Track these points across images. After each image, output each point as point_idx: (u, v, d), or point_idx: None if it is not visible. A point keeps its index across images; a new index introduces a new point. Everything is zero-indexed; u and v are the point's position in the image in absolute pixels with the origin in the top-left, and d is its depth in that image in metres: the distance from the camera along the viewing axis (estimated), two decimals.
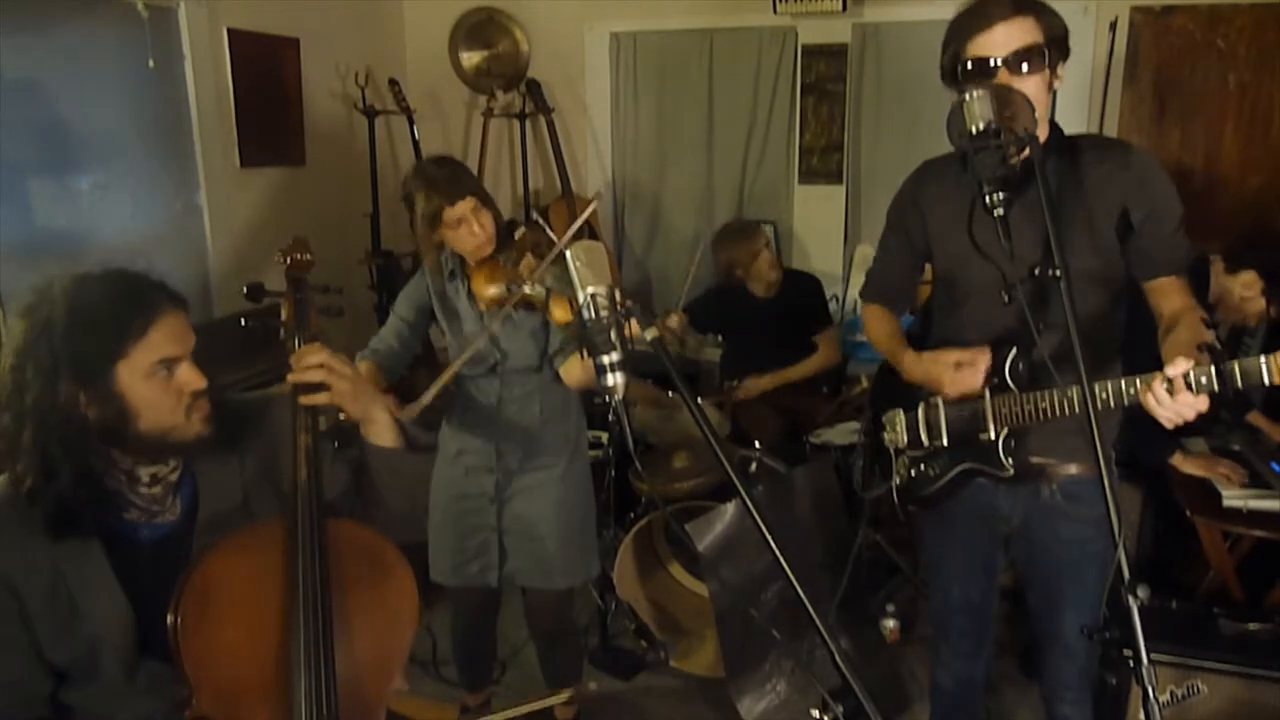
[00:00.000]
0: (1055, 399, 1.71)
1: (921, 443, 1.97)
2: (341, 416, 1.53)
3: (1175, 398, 1.47)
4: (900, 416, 2.03)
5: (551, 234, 2.33)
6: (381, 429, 1.54)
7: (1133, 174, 1.76)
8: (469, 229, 2.27)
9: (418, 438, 1.60)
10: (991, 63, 1.68)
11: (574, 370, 2.33)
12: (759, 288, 3.86)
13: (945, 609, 2.19)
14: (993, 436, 1.83)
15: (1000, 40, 1.67)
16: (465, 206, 2.25)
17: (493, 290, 2.27)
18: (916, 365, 1.95)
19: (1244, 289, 2.70)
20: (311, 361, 1.44)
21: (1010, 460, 1.83)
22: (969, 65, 1.71)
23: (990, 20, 1.68)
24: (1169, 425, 1.52)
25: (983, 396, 1.83)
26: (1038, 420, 1.75)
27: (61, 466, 1.31)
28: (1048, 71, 1.71)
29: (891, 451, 2.06)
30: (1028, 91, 1.64)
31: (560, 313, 2.14)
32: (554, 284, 2.11)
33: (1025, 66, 1.67)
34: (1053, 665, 2.05)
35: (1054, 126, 1.85)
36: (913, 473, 2.01)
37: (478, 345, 2.26)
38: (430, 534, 2.51)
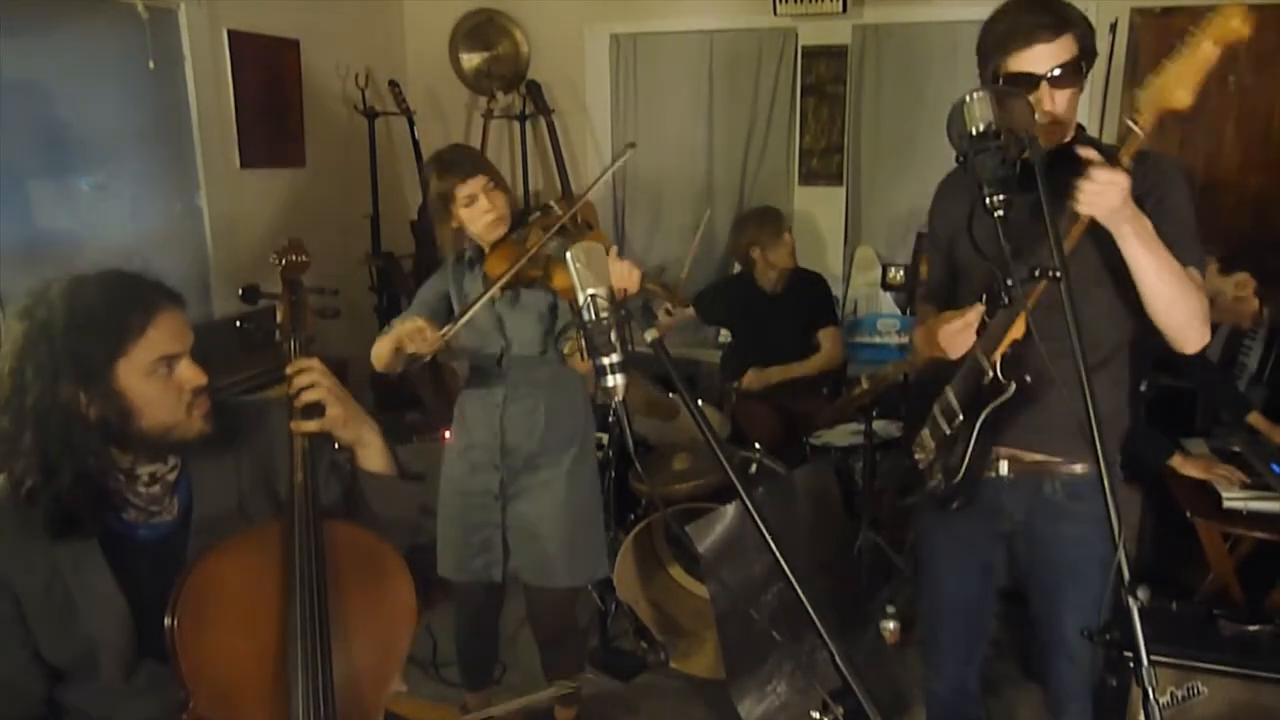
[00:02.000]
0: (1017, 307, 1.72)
1: (945, 432, 1.95)
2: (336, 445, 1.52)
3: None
4: (923, 432, 2.03)
5: (559, 210, 2.34)
6: (373, 453, 1.53)
7: (1146, 169, 1.76)
8: (480, 206, 2.29)
9: (409, 464, 1.59)
10: (1034, 78, 1.72)
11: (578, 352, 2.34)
12: (768, 280, 3.87)
13: (937, 610, 2.17)
14: (990, 370, 1.81)
15: (1042, 57, 1.71)
16: (476, 184, 2.28)
17: (504, 266, 2.28)
18: (923, 337, 1.95)
19: (1238, 289, 2.71)
20: (306, 381, 1.43)
21: (1009, 380, 1.78)
22: (1012, 79, 1.73)
23: (1031, 40, 1.71)
24: (1093, 205, 1.58)
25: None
26: (1018, 340, 1.75)
27: (62, 467, 1.31)
28: (1083, 81, 1.77)
29: (925, 468, 2.05)
30: (1065, 102, 1.72)
31: (562, 279, 2.13)
32: (556, 252, 2.13)
33: (1066, 81, 1.72)
34: (1057, 672, 2.03)
35: (1080, 128, 1.86)
36: (943, 473, 1.99)
37: (493, 292, 2.25)
38: (438, 529, 2.52)
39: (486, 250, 2.38)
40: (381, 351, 2.31)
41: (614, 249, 1.96)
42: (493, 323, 2.39)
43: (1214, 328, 3.21)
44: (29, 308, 1.33)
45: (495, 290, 2.25)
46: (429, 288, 2.51)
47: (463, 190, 2.28)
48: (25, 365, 1.30)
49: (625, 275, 2.02)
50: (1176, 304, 1.69)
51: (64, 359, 1.30)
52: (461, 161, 2.31)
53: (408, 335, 2.19)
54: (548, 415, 2.44)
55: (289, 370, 1.45)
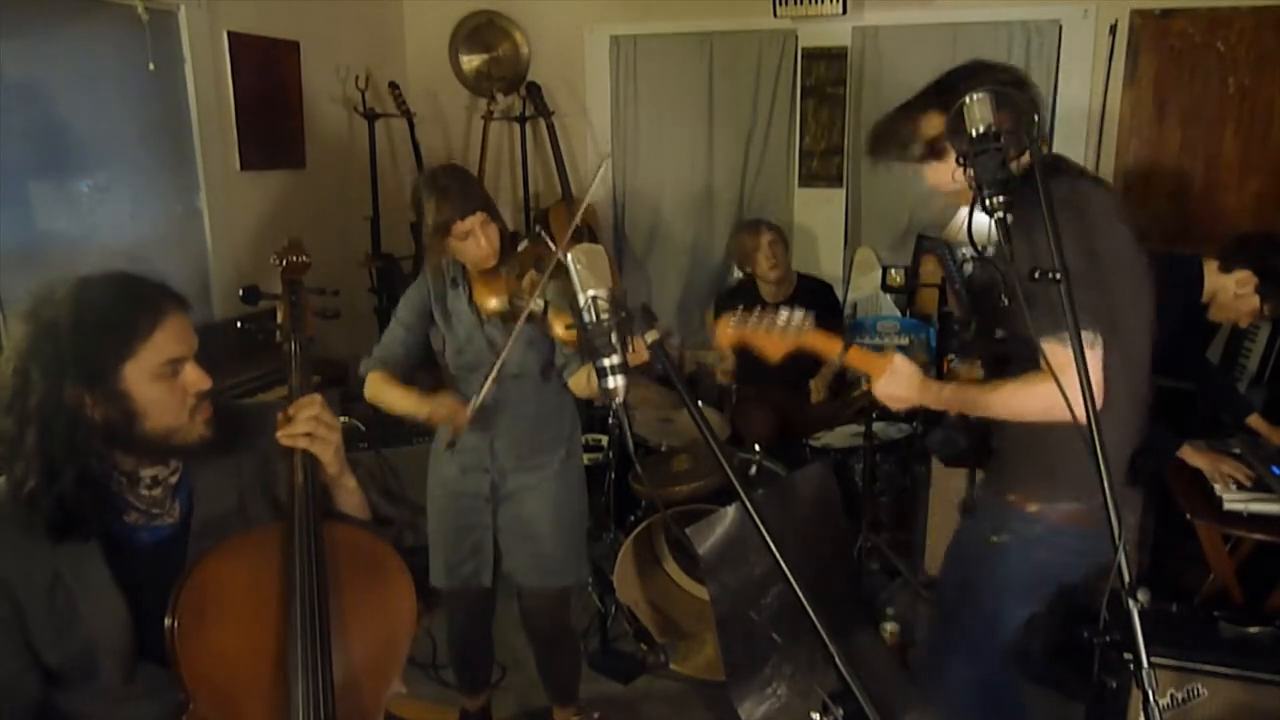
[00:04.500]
0: None
1: None
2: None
3: None
4: None
5: (554, 246, 2.34)
6: (347, 495, 1.54)
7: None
8: (475, 242, 2.29)
9: (381, 508, 1.59)
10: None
11: (583, 381, 2.35)
12: (767, 290, 3.89)
13: (999, 654, 2.07)
14: None
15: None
16: (475, 220, 2.27)
17: (494, 302, 2.30)
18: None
19: (1239, 287, 2.71)
20: (306, 414, 1.43)
21: None
22: None
23: None
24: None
25: None
26: None
27: (64, 469, 1.30)
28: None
29: None
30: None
31: (559, 327, 2.15)
32: (554, 298, 2.14)
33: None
34: None
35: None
36: None
37: (504, 357, 2.27)
38: (429, 535, 2.52)
39: (473, 272, 2.37)
40: (390, 403, 2.36)
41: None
42: (484, 345, 2.38)
43: (1214, 327, 3.23)
44: (34, 308, 1.32)
45: (509, 350, 2.27)
46: (407, 307, 2.48)
47: (460, 226, 2.26)
48: (30, 366, 1.29)
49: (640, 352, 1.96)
50: (1024, 413, 1.79)
51: (71, 360, 1.29)
52: (461, 195, 2.27)
53: (442, 419, 2.29)
54: (537, 417, 2.45)
55: (290, 410, 1.45)
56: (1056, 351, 1.60)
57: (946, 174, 1.84)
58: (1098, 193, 1.82)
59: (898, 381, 1.87)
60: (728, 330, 1.98)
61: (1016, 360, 1.87)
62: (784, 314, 1.94)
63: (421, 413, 2.29)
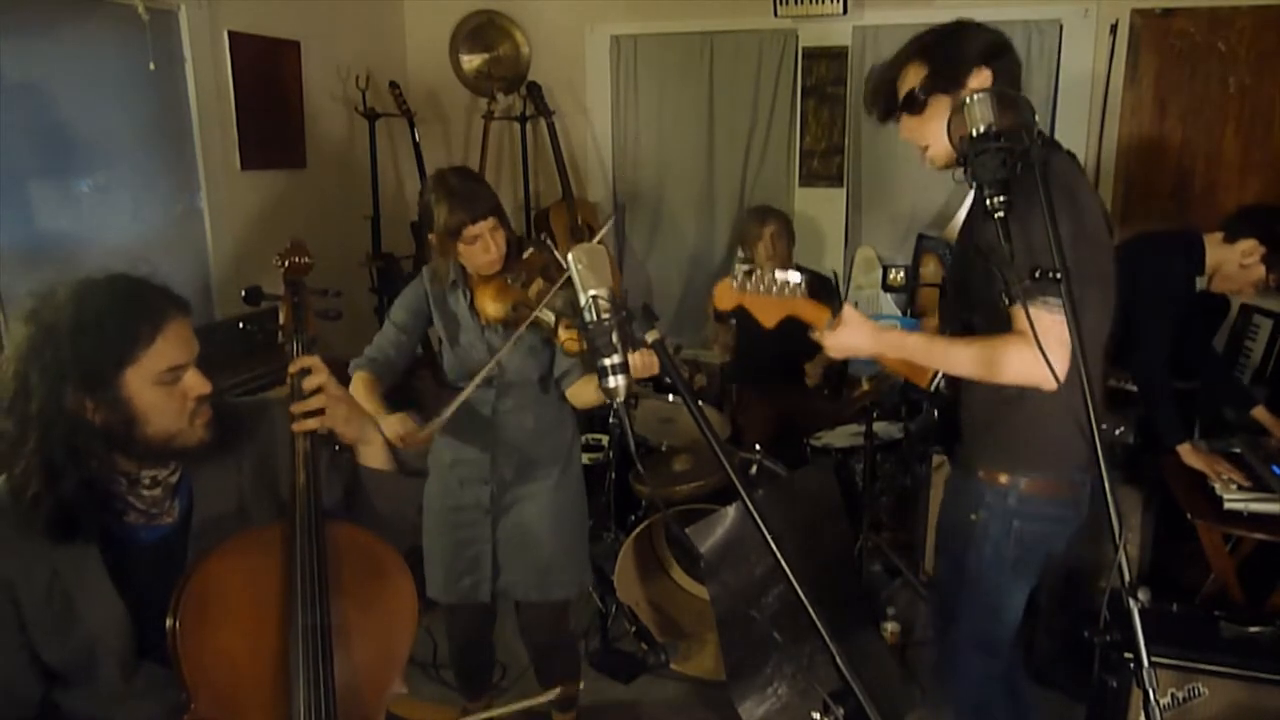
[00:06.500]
0: None
1: None
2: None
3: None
4: None
5: (560, 256, 2.32)
6: (375, 450, 1.54)
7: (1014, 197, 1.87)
8: (484, 246, 2.27)
9: (409, 460, 1.59)
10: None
11: (582, 392, 2.35)
12: None
13: (1007, 642, 2.07)
14: None
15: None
16: (485, 225, 2.26)
17: (496, 309, 2.28)
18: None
19: (1244, 257, 2.70)
20: (311, 385, 1.43)
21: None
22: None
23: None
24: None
25: None
26: None
27: (65, 472, 1.30)
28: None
29: None
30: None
31: (567, 338, 2.14)
32: (563, 308, 2.13)
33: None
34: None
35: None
36: None
37: (491, 367, 2.26)
38: (425, 548, 2.46)
39: (474, 277, 2.35)
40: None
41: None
42: (485, 351, 2.37)
43: (1219, 317, 3.22)
44: (34, 311, 1.32)
45: (494, 364, 2.26)
46: (403, 307, 2.45)
47: (470, 231, 2.24)
48: (30, 369, 1.29)
49: (645, 365, 1.92)
50: (995, 375, 1.74)
51: (71, 365, 1.28)
52: (472, 199, 2.25)
53: (398, 440, 2.14)
54: (536, 428, 2.43)
55: (292, 369, 1.45)
56: (1038, 316, 1.58)
57: (919, 128, 1.91)
58: (1073, 165, 1.84)
59: (849, 332, 1.84)
60: (728, 293, 1.96)
61: (983, 329, 1.86)
62: (780, 276, 1.90)
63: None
